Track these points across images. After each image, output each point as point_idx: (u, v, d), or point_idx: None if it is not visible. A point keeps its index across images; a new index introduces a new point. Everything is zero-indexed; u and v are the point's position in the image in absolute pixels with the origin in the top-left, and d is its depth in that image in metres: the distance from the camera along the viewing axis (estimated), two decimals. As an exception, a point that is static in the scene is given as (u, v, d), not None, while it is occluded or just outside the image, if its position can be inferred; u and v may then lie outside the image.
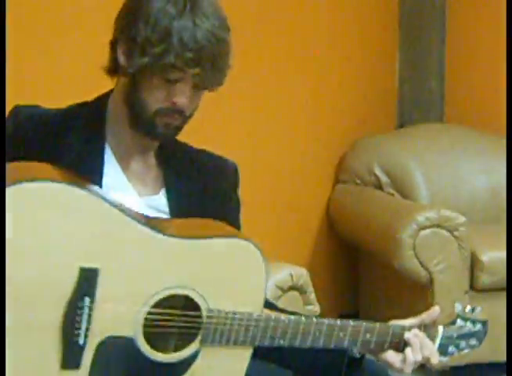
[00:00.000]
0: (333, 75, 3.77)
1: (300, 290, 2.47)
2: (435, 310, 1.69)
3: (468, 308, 1.73)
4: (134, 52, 1.54)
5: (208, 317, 1.49)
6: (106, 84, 1.67)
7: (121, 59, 1.57)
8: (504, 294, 2.73)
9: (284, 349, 1.60)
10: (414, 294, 3.21)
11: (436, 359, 1.66)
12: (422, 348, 1.64)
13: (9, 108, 1.65)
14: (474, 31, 4.03)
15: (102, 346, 1.43)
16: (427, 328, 1.69)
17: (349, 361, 1.67)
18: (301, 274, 2.47)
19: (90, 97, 1.70)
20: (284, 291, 2.42)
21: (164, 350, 1.49)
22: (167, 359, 1.49)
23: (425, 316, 1.69)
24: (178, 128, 1.63)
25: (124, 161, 1.66)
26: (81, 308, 1.40)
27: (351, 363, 1.67)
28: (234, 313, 1.50)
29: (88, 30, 2.80)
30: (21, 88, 2.51)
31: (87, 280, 1.40)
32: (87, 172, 1.56)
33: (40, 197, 1.38)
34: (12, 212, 1.34)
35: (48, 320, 1.38)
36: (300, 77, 3.63)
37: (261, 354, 1.60)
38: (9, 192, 1.34)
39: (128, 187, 1.65)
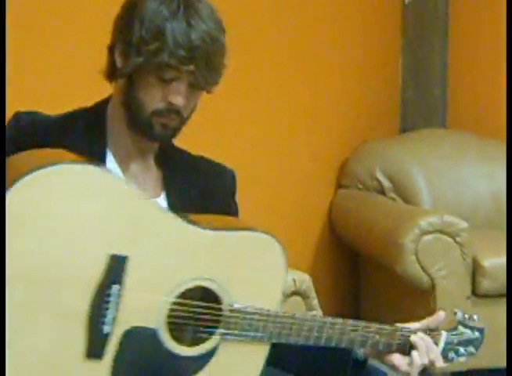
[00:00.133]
0: (335, 80, 3.77)
1: (302, 295, 2.47)
2: (440, 315, 1.71)
3: (466, 315, 1.75)
4: (130, 52, 1.55)
5: (230, 311, 1.49)
6: (107, 86, 1.67)
7: (118, 61, 1.59)
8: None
9: (287, 354, 1.61)
10: (416, 300, 3.21)
11: (440, 363, 1.67)
12: (428, 351, 1.66)
13: (9, 109, 1.66)
14: (476, 38, 4.04)
15: (127, 336, 1.41)
16: (431, 333, 1.69)
17: (352, 364, 1.67)
18: (304, 279, 2.47)
19: (90, 99, 1.70)
20: (287, 296, 2.42)
21: (180, 342, 1.47)
22: (190, 353, 1.47)
23: (430, 321, 1.70)
24: (176, 129, 1.63)
25: (124, 164, 1.66)
26: (110, 295, 1.37)
27: (354, 366, 1.67)
28: (255, 309, 1.51)
29: (88, 32, 2.80)
30: (21, 88, 2.52)
31: (116, 268, 1.37)
32: None
33: (66, 180, 1.35)
34: (39, 196, 1.31)
35: (74, 307, 1.35)
36: (302, 82, 3.63)
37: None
38: (35, 176, 1.31)
39: None
